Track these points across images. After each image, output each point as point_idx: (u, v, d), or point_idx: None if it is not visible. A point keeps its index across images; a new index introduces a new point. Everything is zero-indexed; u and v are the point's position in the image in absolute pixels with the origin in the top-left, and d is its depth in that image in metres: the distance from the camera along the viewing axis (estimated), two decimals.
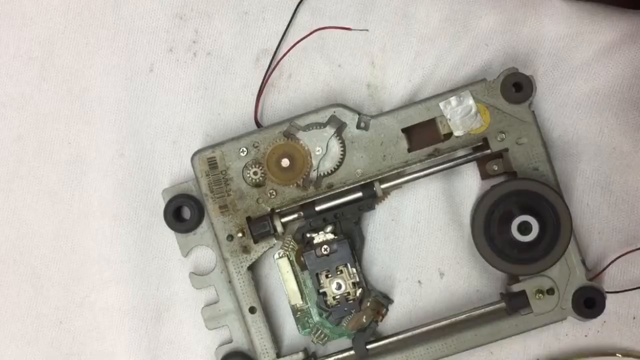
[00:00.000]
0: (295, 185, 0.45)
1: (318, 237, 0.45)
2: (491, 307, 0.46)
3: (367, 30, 0.48)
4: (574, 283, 0.45)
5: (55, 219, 0.49)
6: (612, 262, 0.46)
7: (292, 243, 0.46)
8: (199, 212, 0.46)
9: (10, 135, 0.49)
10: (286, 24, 0.48)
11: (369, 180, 0.45)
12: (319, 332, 0.46)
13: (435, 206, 0.48)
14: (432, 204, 0.48)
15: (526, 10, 0.48)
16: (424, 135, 0.45)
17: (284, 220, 0.45)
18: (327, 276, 0.45)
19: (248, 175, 0.45)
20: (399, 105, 0.46)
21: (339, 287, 0.45)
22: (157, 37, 0.49)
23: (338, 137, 0.45)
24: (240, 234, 0.45)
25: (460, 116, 0.45)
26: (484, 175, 0.47)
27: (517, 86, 0.45)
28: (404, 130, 0.45)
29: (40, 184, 0.49)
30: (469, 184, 0.47)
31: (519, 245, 0.44)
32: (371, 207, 0.46)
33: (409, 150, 0.45)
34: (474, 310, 0.46)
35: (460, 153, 0.46)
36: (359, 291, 0.45)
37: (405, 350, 0.45)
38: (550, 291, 0.45)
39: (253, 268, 0.46)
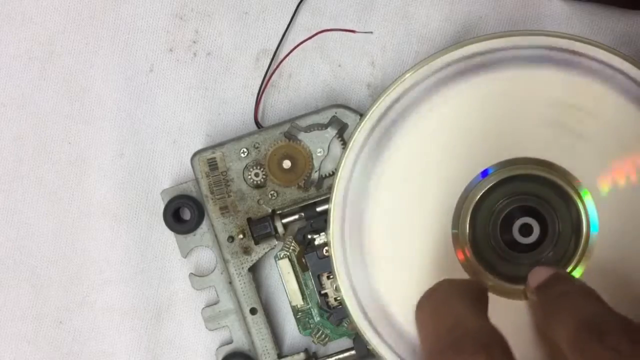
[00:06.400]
0: (296, 186, 0.45)
1: (319, 239, 0.45)
2: None
3: (371, 32, 0.48)
4: None
5: (55, 219, 0.49)
6: None
7: (293, 244, 0.46)
8: (199, 213, 0.46)
9: (10, 135, 0.49)
10: (286, 24, 0.48)
11: None
12: (320, 332, 0.46)
13: None
14: None
15: (526, 11, 0.48)
16: None
17: (285, 221, 0.45)
18: (328, 277, 0.45)
19: (249, 176, 0.45)
20: None
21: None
22: (157, 37, 0.49)
23: (340, 139, 0.45)
24: (241, 236, 0.45)
25: None
26: None
27: None
28: None
29: (40, 184, 0.49)
30: None
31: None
32: None
33: None
34: None
35: None
36: None
37: None
38: None
39: (254, 269, 0.46)
